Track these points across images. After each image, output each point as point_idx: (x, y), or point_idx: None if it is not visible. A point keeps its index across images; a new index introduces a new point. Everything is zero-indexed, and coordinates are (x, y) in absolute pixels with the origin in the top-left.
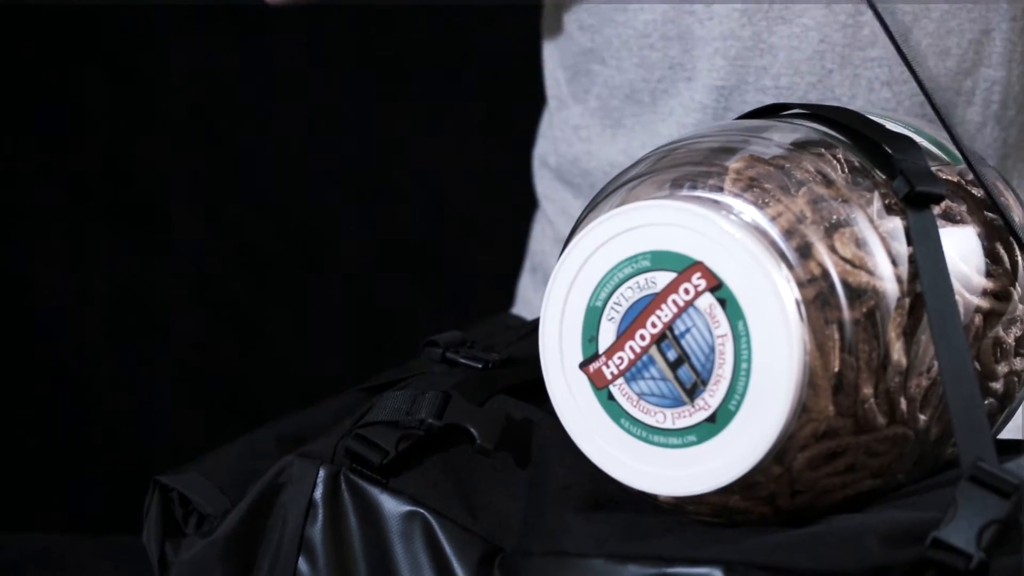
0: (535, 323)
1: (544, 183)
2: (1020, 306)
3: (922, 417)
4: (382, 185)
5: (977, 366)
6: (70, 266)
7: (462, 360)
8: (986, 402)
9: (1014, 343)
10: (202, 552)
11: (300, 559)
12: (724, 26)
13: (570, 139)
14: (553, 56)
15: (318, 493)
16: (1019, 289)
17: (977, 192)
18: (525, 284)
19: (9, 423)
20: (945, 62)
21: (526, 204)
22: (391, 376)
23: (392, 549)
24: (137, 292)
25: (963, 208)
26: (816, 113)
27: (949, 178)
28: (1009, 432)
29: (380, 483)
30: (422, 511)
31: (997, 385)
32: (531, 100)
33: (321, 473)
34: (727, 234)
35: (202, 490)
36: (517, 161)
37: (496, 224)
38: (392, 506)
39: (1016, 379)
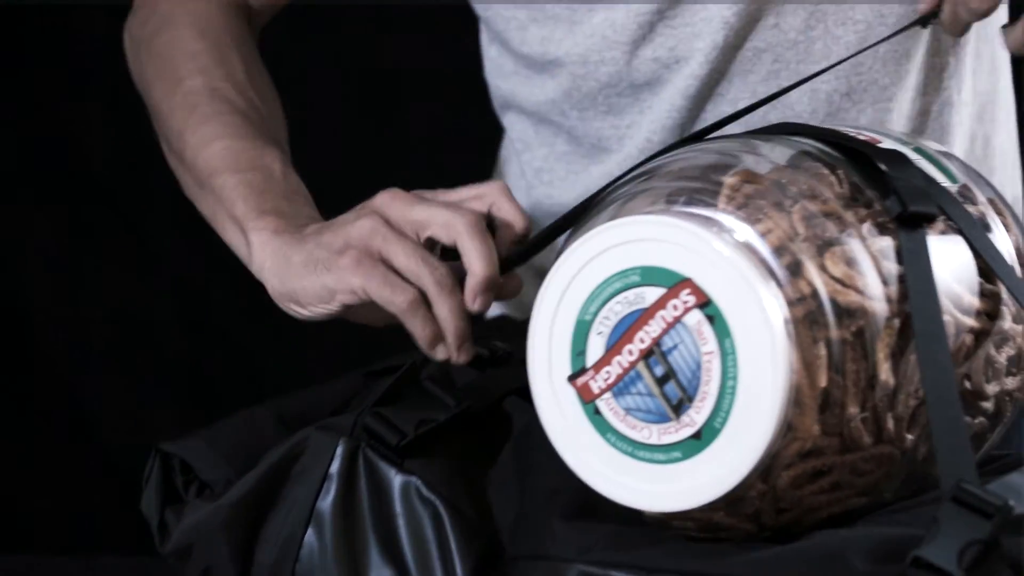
0: None
1: None
2: (1012, 325)
3: (909, 436)
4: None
5: (968, 385)
6: (68, 291)
7: None
8: (976, 421)
9: (1006, 362)
10: (207, 517)
11: (309, 530)
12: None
13: (532, 181)
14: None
15: (335, 467)
16: (1011, 308)
17: (974, 211)
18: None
19: (4, 444)
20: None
21: None
22: (394, 362)
23: (399, 531)
24: (135, 316)
25: (958, 227)
26: (813, 130)
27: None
28: None
29: (396, 463)
30: (434, 498)
31: (988, 404)
32: None
33: (340, 447)
34: (715, 251)
35: (205, 457)
36: None
37: None
38: (405, 488)
39: (1008, 398)
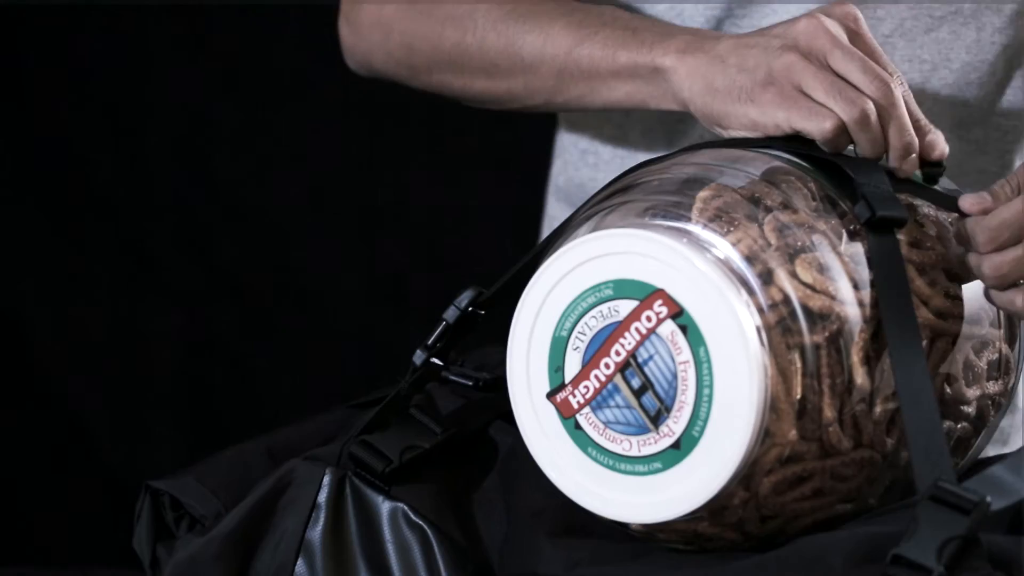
0: None
1: (552, 203)
2: (990, 330)
3: (889, 440)
4: (373, 219)
5: (948, 390)
6: (66, 304)
7: (452, 377)
8: (959, 426)
9: (986, 367)
10: (199, 550)
11: (299, 560)
12: None
13: (577, 163)
14: None
15: (323, 496)
16: (988, 313)
17: (947, 218)
18: None
19: (3, 456)
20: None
21: (520, 233)
22: (381, 393)
23: (389, 558)
24: (135, 330)
25: (932, 233)
26: (785, 140)
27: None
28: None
29: (383, 491)
30: (422, 524)
31: (969, 409)
32: (529, 129)
33: (327, 477)
34: (686, 261)
35: (194, 492)
36: (516, 192)
37: (488, 255)
38: (393, 515)
39: (990, 402)
